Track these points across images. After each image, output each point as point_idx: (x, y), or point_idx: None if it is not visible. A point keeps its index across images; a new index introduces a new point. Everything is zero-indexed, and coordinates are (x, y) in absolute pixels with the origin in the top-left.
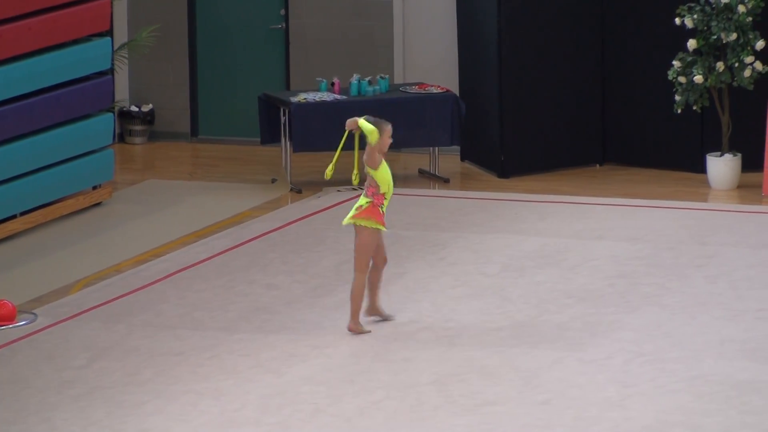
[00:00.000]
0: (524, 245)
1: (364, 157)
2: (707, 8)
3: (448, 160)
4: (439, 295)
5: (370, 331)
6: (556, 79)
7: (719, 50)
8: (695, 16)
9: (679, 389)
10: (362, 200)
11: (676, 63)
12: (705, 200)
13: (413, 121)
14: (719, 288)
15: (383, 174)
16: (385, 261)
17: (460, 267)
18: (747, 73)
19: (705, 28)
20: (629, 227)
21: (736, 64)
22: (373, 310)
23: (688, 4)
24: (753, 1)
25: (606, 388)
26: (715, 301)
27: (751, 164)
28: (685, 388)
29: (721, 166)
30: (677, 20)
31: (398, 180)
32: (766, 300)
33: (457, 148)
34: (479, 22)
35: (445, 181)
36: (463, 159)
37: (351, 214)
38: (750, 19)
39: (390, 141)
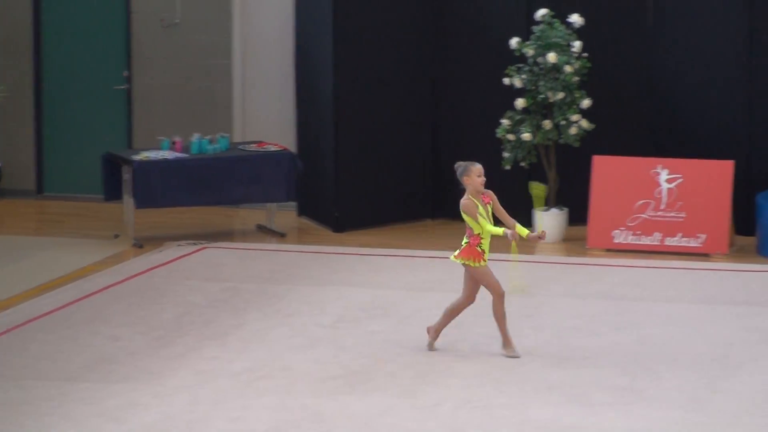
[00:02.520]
0: (358, 297)
1: (462, 203)
2: (535, 68)
3: (286, 215)
4: (276, 345)
5: (519, 356)
6: (390, 138)
7: (546, 109)
8: (523, 77)
9: None
10: (464, 240)
11: (504, 121)
12: (532, 252)
13: (251, 178)
14: (546, 336)
15: (481, 226)
16: (471, 301)
17: (296, 318)
18: (573, 130)
19: (533, 87)
20: (458, 280)
21: (563, 122)
22: (437, 333)
23: (516, 65)
24: (579, 62)
25: None
26: (542, 350)
27: (576, 218)
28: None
29: (549, 220)
30: (506, 80)
31: (236, 235)
32: (590, 348)
33: (294, 204)
34: (316, 82)
35: (281, 236)
36: (300, 214)
37: (456, 252)
38: (576, 78)
39: (482, 179)
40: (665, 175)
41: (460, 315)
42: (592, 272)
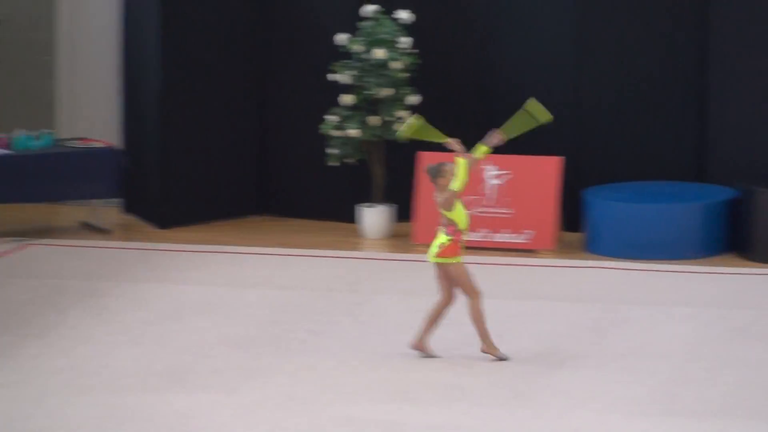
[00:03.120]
0: (183, 293)
1: (440, 200)
2: (363, 64)
3: (112, 212)
4: (99, 342)
5: (507, 358)
6: (217, 134)
7: (374, 105)
8: (351, 73)
9: (330, 430)
10: (443, 238)
11: (329, 117)
12: (359, 249)
13: (75, 174)
14: (370, 333)
15: (459, 214)
16: (452, 301)
17: (121, 315)
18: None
19: (360, 83)
20: (285, 276)
21: (390, 119)
22: (420, 344)
23: (344, 61)
24: (407, 58)
25: (257, 429)
26: (365, 346)
27: (403, 214)
28: (336, 428)
29: (375, 217)
30: (333, 76)
31: (60, 232)
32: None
33: (120, 200)
34: (143, 78)
35: (106, 232)
36: (127, 211)
37: (434, 251)
38: (404, 75)
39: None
40: (493, 171)
41: (438, 318)
42: (418, 268)
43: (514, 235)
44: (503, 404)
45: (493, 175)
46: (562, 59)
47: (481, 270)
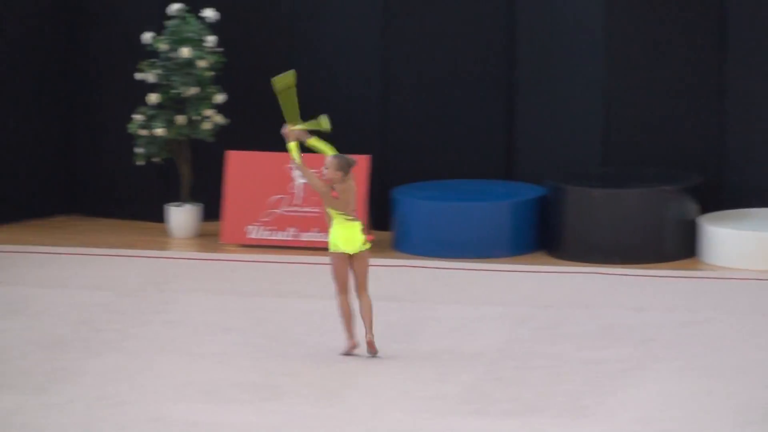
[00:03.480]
0: None
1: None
2: (169, 63)
3: None
4: None
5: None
6: (22, 133)
7: (180, 104)
8: (157, 71)
9: (140, 430)
10: (359, 224)
11: (136, 116)
12: (166, 249)
13: None
14: (179, 333)
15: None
16: (359, 285)
17: None
18: (207, 125)
19: (166, 82)
20: (92, 276)
21: (197, 118)
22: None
23: (150, 60)
24: (213, 57)
25: (67, 430)
26: (175, 346)
27: (211, 213)
28: (146, 429)
29: (182, 216)
30: (139, 75)
31: None
32: (224, 343)
33: None
34: None
35: None
36: None
37: (362, 239)
38: (210, 74)
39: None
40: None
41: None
42: (226, 268)
43: (322, 234)
44: (314, 404)
45: (300, 174)
46: (369, 57)
47: (291, 269)
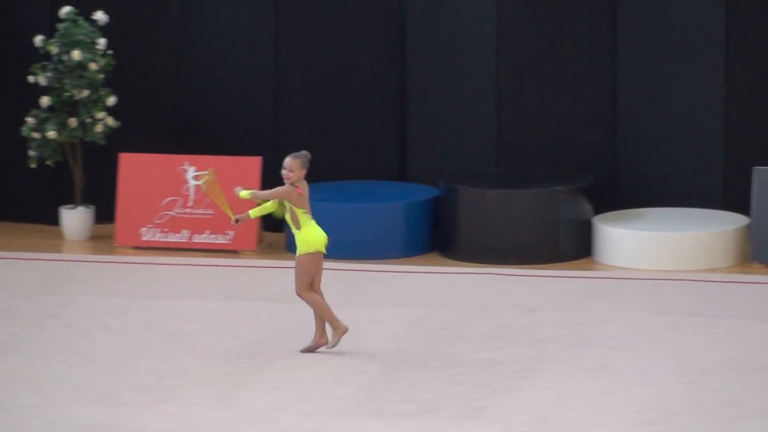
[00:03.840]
0: None
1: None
2: (60, 66)
3: None
4: None
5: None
6: None
7: (72, 106)
8: (48, 74)
9: None
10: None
11: (28, 119)
12: (60, 251)
13: None
14: (75, 335)
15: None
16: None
17: None
18: (99, 128)
19: (58, 85)
20: None
21: (89, 120)
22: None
23: (41, 63)
24: (104, 59)
25: None
26: (70, 348)
27: (104, 216)
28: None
29: (75, 218)
30: (31, 78)
31: None
32: (119, 346)
33: None
34: None
35: None
36: None
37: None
38: (102, 76)
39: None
40: (192, 171)
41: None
42: (120, 270)
43: (215, 235)
44: (210, 406)
45: (193, 175)
46: (261, 58)
47: (183, 271)
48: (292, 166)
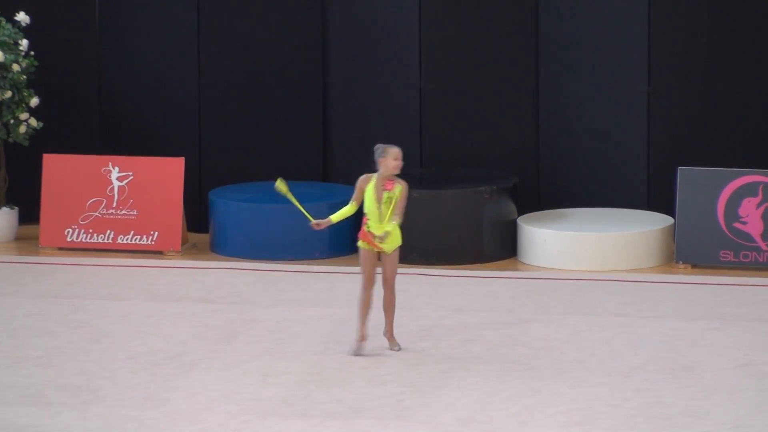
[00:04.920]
0: None
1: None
2: None
3: None
4: None
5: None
6: None
7: None
8: None
9: None
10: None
11: None
12: None
13: None
14: (1, 336)
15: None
16: (386, 281)
17: None
18: (22, 129)
19: None
20: None
21: (12, 121)
22: (387, 334)
23: None
24: (26, 60)
25: None
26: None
27: (28, 217)
28: None
29: None
30: None
31: None
32: (45, 347)
33: None
34: None
35: None
36: None
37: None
38: (24, 77)
39: (397, 163)
40: (116, 172)
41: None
42: (45, 271)
43: (139, 236)
44: (136, 406)
45: (116, 176)
46: (183, 58)
47: (108, 272)
48: (399, 155)
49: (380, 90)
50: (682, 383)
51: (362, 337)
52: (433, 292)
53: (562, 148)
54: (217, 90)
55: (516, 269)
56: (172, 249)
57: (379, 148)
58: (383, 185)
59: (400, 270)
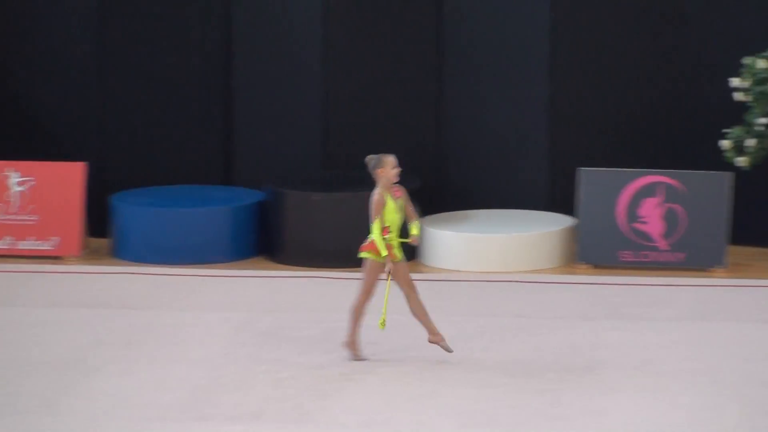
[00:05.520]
0: None
1: (372, 200)
2: None
3: None
4: None
5: (365, 359)
6: None
7: None
8: None
9: None
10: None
11: None
12: None
13: None
14: None
15: (386, 213)
16: (412, 288)
17: None
18: None
19: None
20: None
21: None
22: (432, 338)
23: None
24: None
25: None
26: None
27: None
28: None
29: None
30: None
31: None
32: None
33: None
34: None
35: None
36: None
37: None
38: None
39: (396, 170)
40: (16, 177)
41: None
42: None
43: (39, 242)
44: (31, 413)
45: (16, 181)
46: (85, 60)
47: (6, 278)
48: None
49: (283, 93)
50: (582, 383)
51: (355, 344)
52: (335, 295)
53: (465, 150)
54: (119, 93)
55: (418, 271)
56: (71, 254)
57: (373, 159)
58: (393, 195)
59: (298, 273)
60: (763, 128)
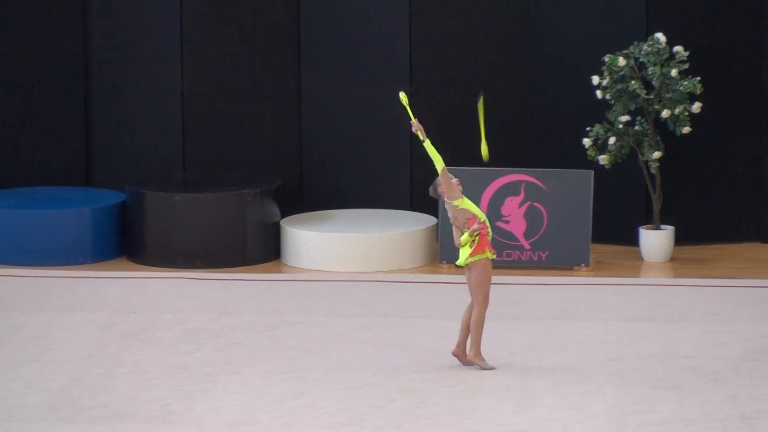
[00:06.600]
0: None
1: (444, 190)
2: None
3: None
4: None
5: (494, 368)
6: None
7: None
8: None
9: None
10: (467, 237)
11: None
12: None
13: None
14: None
15: (470, 202)
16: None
17: None
18: None
19: None
20: None
21: None
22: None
23: None
24: None
25: None
26: None
27: None
28: None
29: None
30: None
31: None
32: None
33: None
34: None
35: None
36: None
37: (466, 253)
38: None
39: (454, 180)
40: None
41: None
42: None
43: None
44: None
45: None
46: None
47: None
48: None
49: (142, 94)
50: (447, 382)
51: (481, 356)
52: (198, 295)
53: (325, 150)
54: None
55: (280, 271)
56: None
57: (432, 187)
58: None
59: (161, 273)
60: (623, 126)
